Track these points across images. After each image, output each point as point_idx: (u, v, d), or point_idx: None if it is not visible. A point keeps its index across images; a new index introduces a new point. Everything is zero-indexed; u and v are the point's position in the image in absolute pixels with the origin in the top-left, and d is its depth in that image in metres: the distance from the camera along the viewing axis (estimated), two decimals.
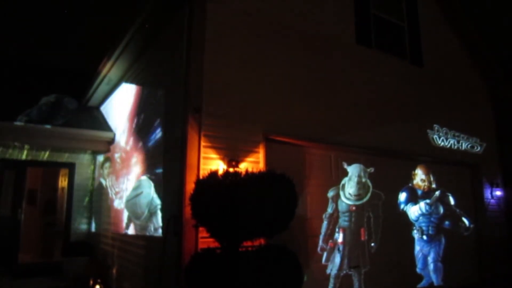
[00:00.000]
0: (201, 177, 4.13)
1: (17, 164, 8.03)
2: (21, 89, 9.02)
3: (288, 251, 3.97)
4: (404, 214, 6.74)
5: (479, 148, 8.25)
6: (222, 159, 4.52)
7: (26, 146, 7.72)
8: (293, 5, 5.76)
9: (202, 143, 4.46)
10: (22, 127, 7.18)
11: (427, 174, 7.19)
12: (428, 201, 7.01)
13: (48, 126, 7.40)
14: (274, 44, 5.40)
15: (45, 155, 8.13)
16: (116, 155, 7.37)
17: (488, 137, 8.64)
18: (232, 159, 4.49)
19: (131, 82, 7.05)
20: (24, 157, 7.95)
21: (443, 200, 7.30)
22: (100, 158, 8.44)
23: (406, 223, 6.75)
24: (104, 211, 7.63)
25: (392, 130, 6.58)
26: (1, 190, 8.13)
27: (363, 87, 6.40)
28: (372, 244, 6.04)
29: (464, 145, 7.93)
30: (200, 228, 4.15)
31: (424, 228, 6.89)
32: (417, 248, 6.79)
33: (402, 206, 6.71)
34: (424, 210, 6.92)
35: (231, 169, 4.12)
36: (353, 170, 6.03)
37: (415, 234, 6.76)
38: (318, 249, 5.47)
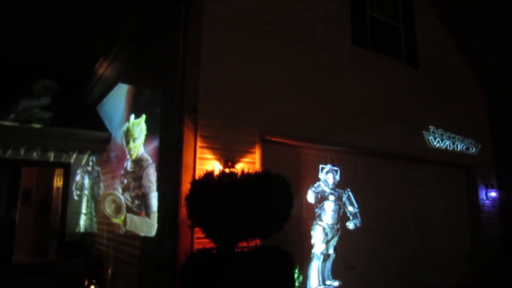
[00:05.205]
0: (197, 177, 4.12)
1: (12, 164, 7.97)
2: (17, 89, 8.95)
3: (283, 251, 3.97)
4: (400, 213, 6.76)
5: (474, 150, 8.29)
6: (218, 159, 4.51)
7: (21, 146, 7.66)
8: (289, 6, 5.75)
9: (198, 144, 4.46)
10: (17, 126, 7.13)
11: None
12: None
13: (43, 126, 7.35)
14: (271, 45, 5.39)
15: (40, 155, 8.07)
16: (112, 155, 7.35)
17: (483, 139, 8.69)
18: (228, 160, 4.47)
19: (128, 82, 7.02)
20: (18, 156, 7.90)
21: None
22: (96, 157, 8.40)
23: (402, 222, 6.77)
24: (99, 211, 7.59)
25: (387, 131, 6.60)
26: None
27: (359, 88, 6.40)
28: None
29: (459, 147, 7.96)
30: (196, 229, 4.14)
31: None
32: None
33: None
34: None
35: (227, 170, 4.11)
36: None
37: None
38: None
